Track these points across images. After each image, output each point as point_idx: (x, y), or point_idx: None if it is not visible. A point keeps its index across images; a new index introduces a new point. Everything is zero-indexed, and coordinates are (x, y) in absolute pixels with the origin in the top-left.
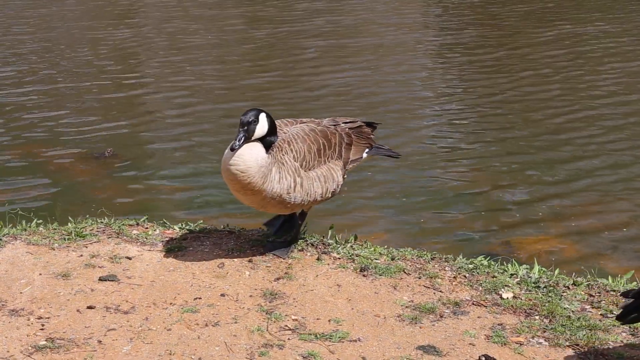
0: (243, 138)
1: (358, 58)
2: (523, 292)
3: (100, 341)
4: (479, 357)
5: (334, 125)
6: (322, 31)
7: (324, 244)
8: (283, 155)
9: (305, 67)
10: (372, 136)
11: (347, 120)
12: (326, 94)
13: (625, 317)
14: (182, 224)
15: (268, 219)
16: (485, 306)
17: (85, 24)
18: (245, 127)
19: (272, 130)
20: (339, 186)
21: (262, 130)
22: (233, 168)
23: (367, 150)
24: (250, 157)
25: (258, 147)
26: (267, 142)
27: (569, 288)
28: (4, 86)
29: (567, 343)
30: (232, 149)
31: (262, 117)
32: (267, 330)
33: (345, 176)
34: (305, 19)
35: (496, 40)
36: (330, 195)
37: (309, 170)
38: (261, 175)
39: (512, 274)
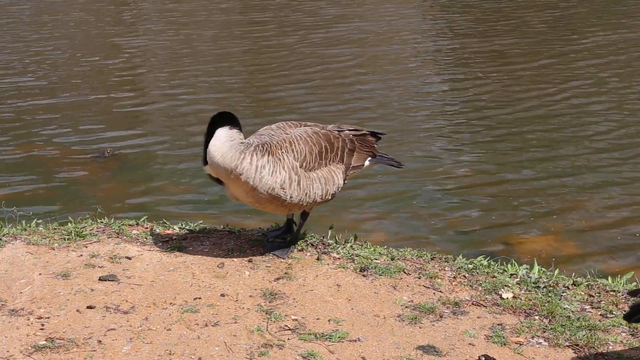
0: None
1: (376, 64)
2: (523, 292)
3: (100, 341)
4: (479, 357)
5: (339, 130)
6: (341, 39)
7: (323, 244)
8: (282, 152)
9: (317, 73)
10: (375, 145)
11: (352, 128)
12: (343, 101)
13: (632, 316)
14: (182, 224)
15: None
16: (485, 306)
17: (90, 27)
18: None
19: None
20: (339, 189)
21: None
22: (209, 154)
23: (369, 158)
24: (217, 139)
25: (223, 131)
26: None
27: (568, 288)
28: (5, 87)
29: (567, 343)
30: None
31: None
32: (267, 330)
33: (346, 181)
34: (328, 27)
35: (523, 49)
36: (330, 198)
37: (310, 171)
38: (232, 147)
39: (511, 274)
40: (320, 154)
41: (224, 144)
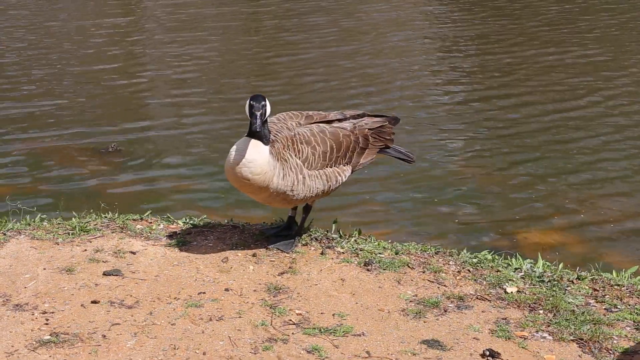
0: (260, 120)
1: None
2: (527, 286)
3: (105, 336)
4: (483, 351)
5: (354, 123)
6: (365, 50)
7: (327, 238)
8: (285, 151)
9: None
10: (391, 137)
11: (373, 117)
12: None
13: None
14: (186, 219)
15: (268, 227)
16: (489, 300)
17: (91, 23)
18: (260, 111)
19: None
20: (341, 183)
21: (268, 115)
22: (246, 171)
23: (379, 150)
24: (260, 157)
25: (262, 147)
26: (264, 134)
27: (573, 282)
28: (9, 84)
29: (571, 337)
30: (256, 131)
31: (267, 102)
32: (271, 324)
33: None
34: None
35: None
36: (330, 192)
37: (312, 169)
38: (272, 174)
39: (516, 268)
40: (325, 154)
41: (267, 162)
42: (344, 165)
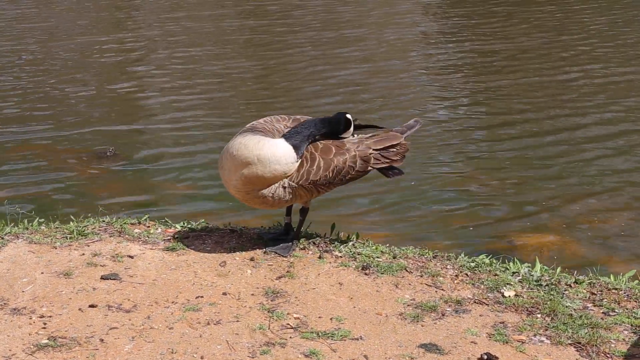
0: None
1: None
2: (525, 290)
3: (102, 340)
4: (481, 355)
5: (359, 140)
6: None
7: (325, 242)
8: None
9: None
10: (402, 156)
11: (387, 141)
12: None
13: None
14: (183, 223)
15: (266, 231)
16: (487, 304)
17: (88, 24)
18: None
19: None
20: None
21: None
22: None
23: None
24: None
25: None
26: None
27: (570, 286)
28: (5, 85)
29: (569, 341)
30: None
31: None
32: (268, 328)
33: None
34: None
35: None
36: (310, 200)
37: (293, 182)
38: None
39: (513, 272)
40: (309, 172)
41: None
42: (331, 184)
